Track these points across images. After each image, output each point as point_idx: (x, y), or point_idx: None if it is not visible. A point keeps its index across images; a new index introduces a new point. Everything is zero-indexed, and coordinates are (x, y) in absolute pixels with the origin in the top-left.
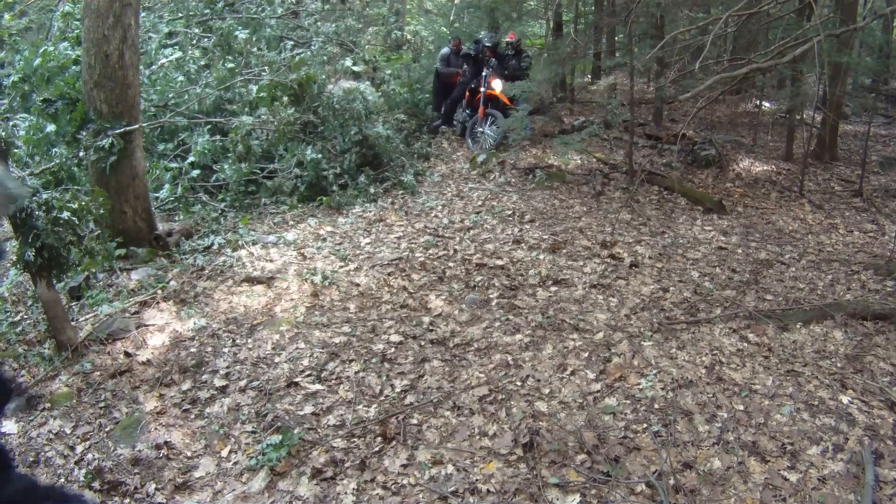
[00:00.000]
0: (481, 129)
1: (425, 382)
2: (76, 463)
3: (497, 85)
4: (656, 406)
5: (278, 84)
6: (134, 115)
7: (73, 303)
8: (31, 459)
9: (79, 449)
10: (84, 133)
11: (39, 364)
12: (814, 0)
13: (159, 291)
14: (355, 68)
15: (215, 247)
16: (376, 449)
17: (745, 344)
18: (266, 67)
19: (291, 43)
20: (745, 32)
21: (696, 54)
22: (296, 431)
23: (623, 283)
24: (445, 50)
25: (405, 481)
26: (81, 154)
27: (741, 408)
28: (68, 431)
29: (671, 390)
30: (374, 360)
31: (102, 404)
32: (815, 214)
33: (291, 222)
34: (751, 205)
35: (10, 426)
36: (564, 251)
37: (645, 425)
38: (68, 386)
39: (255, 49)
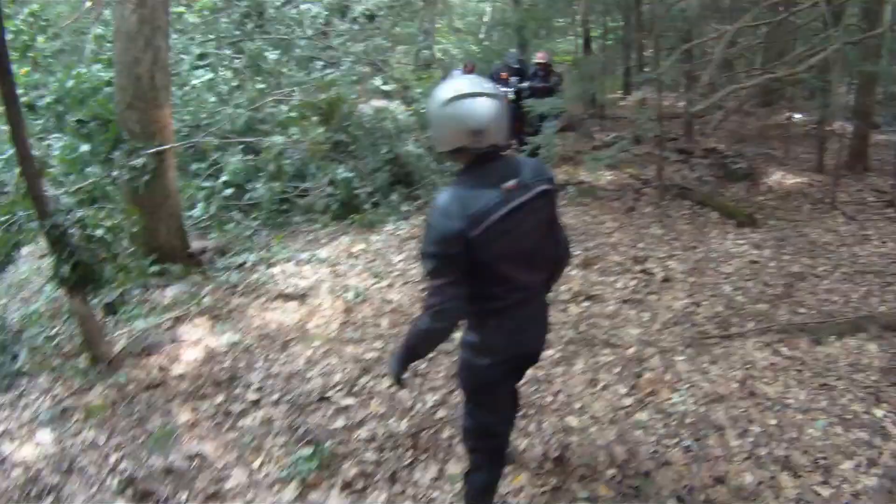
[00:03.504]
0: None
1: (456, 397)
2: (109, 472)
3: None
4: (688, 421)
5: (307, 104)
6: (166, 135)
7: (109, 318)
8: (66, 468)
9: (112, 458)
10: (118, 153)
11: (74, 376)
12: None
13: (193, 307)
14: (385, 87)
15: (249, 264)
16: (407, 462)
17: (778, 358)
18: (295, 88)
19: (322, 63)
20: (773, 44)
21: (726, 68)
22: (327, 444)
23: (655, 298)
24: (457, 73)
25: (435, 494)
26: (115, 173)
27: (773, 422)
28: (102, 442)
29: (703, 405)
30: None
31: (136, 416)
32: (849, 226)
33: (324, 240)
34: (783, 217)
35: (46, 435)
36: (597, 266)
37: (676, 440)
38: (102, 398)
39: (285, 69)
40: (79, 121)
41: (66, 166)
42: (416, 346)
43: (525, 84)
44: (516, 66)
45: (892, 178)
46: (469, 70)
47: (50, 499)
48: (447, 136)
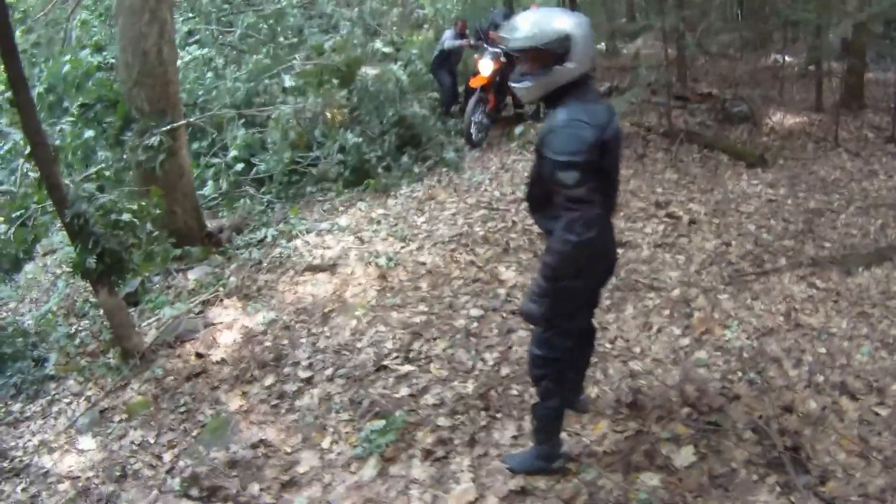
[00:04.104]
0: (474, 119)
1: (516, 353)
2: (168, 472)
3: (485, 68)
4: (745, 355)
5: (324, 67)
6: (177, 111)
7: (131, 308)
8: (118, 474)
9: (167, 457)
10: (129, 134)
11: (107, 375)
12: None
13: (221, 289)
14: (386, 50)
15: (269, 239)
16: (483, 423)
17: (814, 290)
18: (296, 56)
19: (315, 31)
20: None
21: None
22: (397, 414)
23: (686, 241)
24: (449, 33)
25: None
26: (126, 156)
27: (823, 350)
28: (152, 441)
29: (755, 339)
30: (458, 336)
31: (183, 409)
32: (854, 162)
33: (341, 208)
34: (790, 157)
35: (88, 441)
36: (622, 213)
37: (739, 374)
38: (142, 394)
39: (280, 39)
40: (82, 105)
41: (71, 154)
42: (566, 267)
43: None
44: (504, 24)
45: (889, 114)
46: (461, 28)
47: None
48: (587, 58)
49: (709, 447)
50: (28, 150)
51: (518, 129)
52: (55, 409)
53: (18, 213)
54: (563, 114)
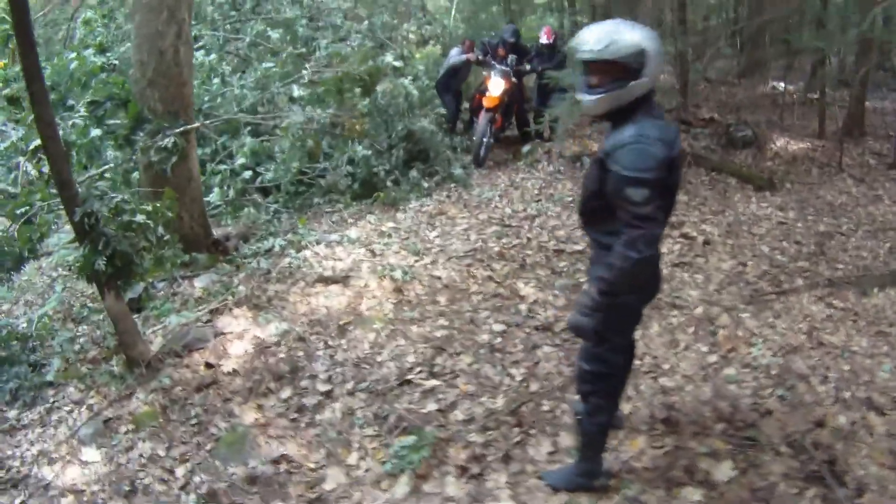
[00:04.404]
0: (484, 139)
1: (543, 369)
2: (181, 488)
3: (496, 87)
4: (772, 372)
5: (345, 76)
6: (189, 114)
7: (135, 315)
8: (127, 489)
9: (179, 472)
10: (140, 134)
11: (110, 383)
12: None
13: (230, 298)
14: (396, 63)
15: (277, 249)
16: (516, 440)
17: (833, 310)
18: (305, 66)
19: (325, 41)
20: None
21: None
22: (427, 430)
23: (702, 261)
24: (455, 50)
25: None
26: (135, 157)
27: (847, 368)
28: (162, 454)
29: (781, 356)
30: (482, 351)
31: (194, 421)
32: (859, 187)
33: (350, 220)
34: (796, 181)
35: (92, 453)
36: None
37: (769, 390)
38: (149, 404)
39: (290, 49)
40: (92, 102)
41: (77, 151)
42: (624, 283)
43: (527, 67)
44: (512, 41)
45: (888, 141)
46: (468, 47)
47: None
48: (657, 73)
49: (747, 461)
50: (31, 147)
51: (525, 148)
52: (54, 417)
53: (22, 211)
54: (632, 129)
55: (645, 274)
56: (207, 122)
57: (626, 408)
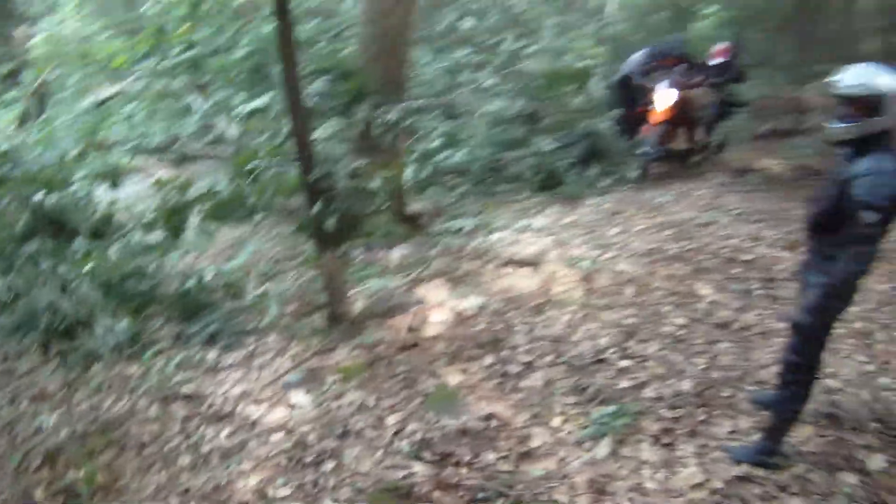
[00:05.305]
0: (653, 151)
1: (721, 360)
2: (394, 434)
3: (666, 100)
4: None
5: (563, 70)
6: (404, 91)
7: None
8: (340, 432)
9: (390, 420)
10: (362, 105)
11: (311, 336)
12: None
13: (426, 270)
14: (579, 64)
15: (467, 229)
16: (701, 418)
17: None
18: (502, 58)
19: (512, 35)
20: None
21: None
22: (626, 402)
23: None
24: (638, 57)
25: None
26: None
27: None
28: (372, 404)
29: None
30: (668, 341)
31: (401, 377)
32: None
33: (532, 210)
34: None
35: (301, 398)
36: (800, 249)
37: None
38: (353, 359)
39: (483, 39)
40: (316, 71)
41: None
42: (846, 290)
43: (695, 80)
44: (680, 54)
45: None
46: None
47: (332, 464)
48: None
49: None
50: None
51: (694, 158)
52: (257, 362)
53: (251, 167)
54: (871, 161)
55: (857, 285)
56: (426, 100)
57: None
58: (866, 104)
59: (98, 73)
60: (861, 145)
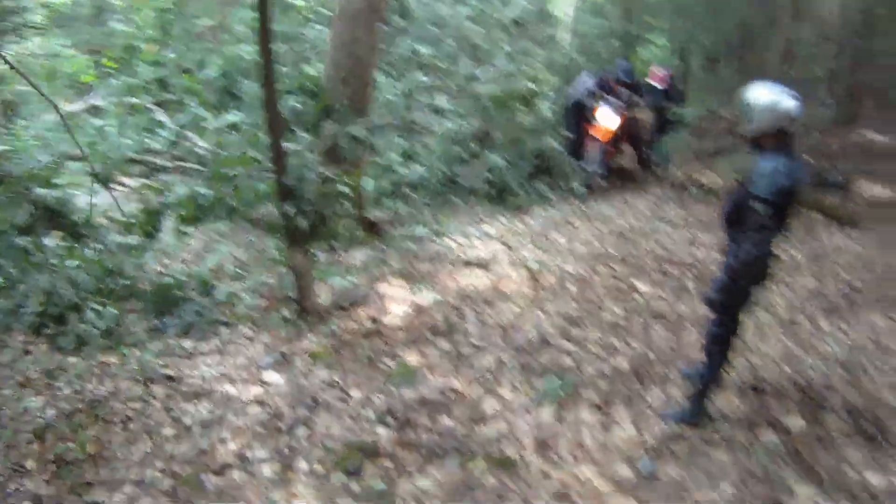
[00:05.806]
0: (598, 170)
1: (656, 343)
2: (361, 405)
3: (611, 121)
4: (840, 360)
5: (513, 92)
6: (368, 110)
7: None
8: (311, 403)
9: (356, 393)
10: (329, 121)
11: (280, 326)
12: None
13: (386, 269)
14: (532, 87)
15: (423, 235)
16: (636, 389)
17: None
18: (457, 82)
19: (467, 60)
20: None
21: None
22: (567, 377)
23: (791, 280)
24: (587, 81)
25: (667, 409)
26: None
27: None
28: (339, 380)
29: (849, 352)
30: (607, 327)
31: (364, 359)
32: None
33: (485, 219)
34: (881, 220)
35: (273, 376)
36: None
37: (837, 375)
38: (320, 345)
39: (440, 65)
40: (287, 91)
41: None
42: (748, 271)
43: (640, 103)
44: (627, 81)
45: None
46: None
47: (304, 430)
48: (771, 121)
49: (814, 419)
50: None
51: (637, 175)
52: (231, 348)
53: (228, 174)
54: (774, 163)
55: (759, 266)
56: (390, 119)
57: (724, 375)
58: (743, 113)
59: (66, 87)
60: (756, 147)
